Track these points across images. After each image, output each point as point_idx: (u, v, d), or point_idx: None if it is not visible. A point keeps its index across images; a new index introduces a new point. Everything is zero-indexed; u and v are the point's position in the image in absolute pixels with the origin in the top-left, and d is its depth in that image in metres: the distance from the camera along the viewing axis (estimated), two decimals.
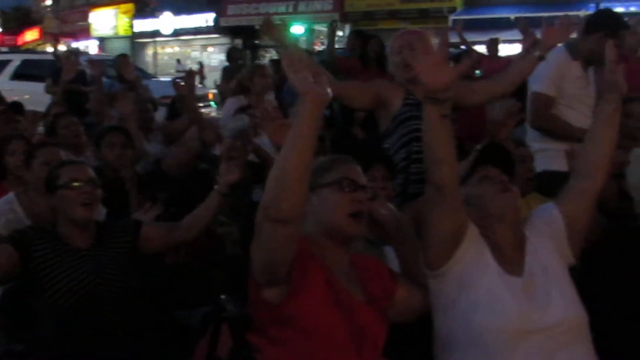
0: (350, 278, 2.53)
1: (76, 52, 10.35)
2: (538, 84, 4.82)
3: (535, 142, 4.83)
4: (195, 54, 36.87)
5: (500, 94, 4.18)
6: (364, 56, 8.04)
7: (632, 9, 25.02)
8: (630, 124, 4.71)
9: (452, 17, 26.26)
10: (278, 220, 2.20)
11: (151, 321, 3.29)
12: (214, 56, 33.69)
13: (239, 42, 32.74)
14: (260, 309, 2.40)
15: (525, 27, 6.82)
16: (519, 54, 5.68)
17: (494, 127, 3.86)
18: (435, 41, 4.01)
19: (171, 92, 6.57)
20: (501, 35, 15.43)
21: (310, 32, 31.37)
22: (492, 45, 9.68)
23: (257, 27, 25.37)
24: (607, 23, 4.88)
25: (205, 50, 35.56)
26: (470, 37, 11.93)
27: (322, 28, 32.43)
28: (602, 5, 23.31)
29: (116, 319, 3.25)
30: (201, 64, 30.65)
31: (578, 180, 2.78)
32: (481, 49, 10.03)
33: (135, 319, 3.29)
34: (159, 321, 3.29)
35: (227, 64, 11.55)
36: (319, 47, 29.70)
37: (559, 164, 4.30)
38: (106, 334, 3.21)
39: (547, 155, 4.60)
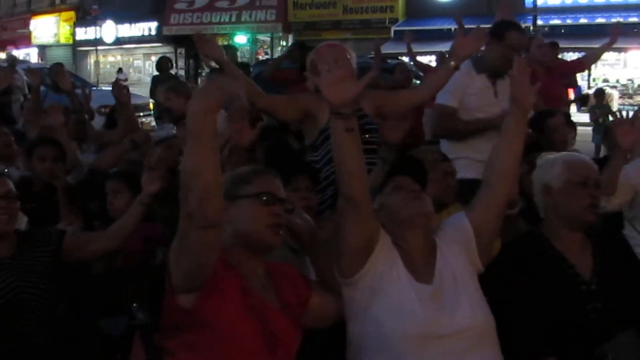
0: (265, 285, 2.58)
1: (12, 62, 10.24)
2: (440, 96, 4.94)
3: (448, 152, 4.98)
4: (138, 62, 36.66)
5: (419, 102, 4.36)
6: (301, 67, 8.09)
7: (569, 21, 25.67)
8: (556, 139, 4.89)
9: (394, 28, 26.59)
10: (205, 225, 2.25)
11: (74, 330, 3.31)
12: None
13: (182, 51, 32.67)
14: (175, 315, 2.43)
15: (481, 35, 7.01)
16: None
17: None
18: (351, 55, 4.13)
19: (111, 101, 6.55)
20: (442, 46, 15.73)
21: (253, 41, 31.44)
22: (442, 57, 9.86)
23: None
24: (494, 29, 5.07)
25: (149, 59, 35.33)
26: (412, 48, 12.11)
27: (265, 38, 32.55)
28: (539, 18, 23.93)
29: (37, 328, 3.26)
30: None
31: (485, 191, 2.86)
32: (423, 59, 10.21)
33: (57, 328, 3.30)
34: (82, 330, 3.31)
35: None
36: (262, 57, 29.83)
37: (472, 172, 4.46)
38: (27, 343, 3.21)
39: (460, 164, 4.72)
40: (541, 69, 6.57)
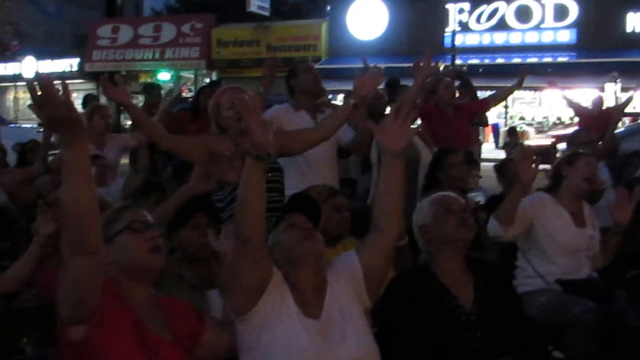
0: (155, 318, 2.64)
1: None
2: None
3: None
4: None
5: (320, 140, 4.48)
6: (195, 106, 7.98)
7: (486, 61, 26.39)
8: (454, 174, 5.06)
9: (316, 66, 26.90)
10: (85, 253, 2.30)
11: None
12: (79, 102, 33.09)
13: None
14: (67, 349, 2.46)
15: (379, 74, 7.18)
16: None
17: None
18: (249, 95, 4.23)
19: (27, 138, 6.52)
20: None
21: (176, 78, 31.38)
22: (347, 96, 10.04)
23: (124, 72, 25.13)
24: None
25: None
26: (334, 85, 12.39)
27: (189, 75, 32.54)
28: (458, 57, 24.52)
29: None
30: None
31: (374, 233, 2.99)
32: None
33: None
34: None
35: None
36: (185, 94, 29.76)
37: None
38: None
39: None
40: (450, 109, 6.76)
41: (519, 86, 7.58)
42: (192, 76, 32.46)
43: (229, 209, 4.15)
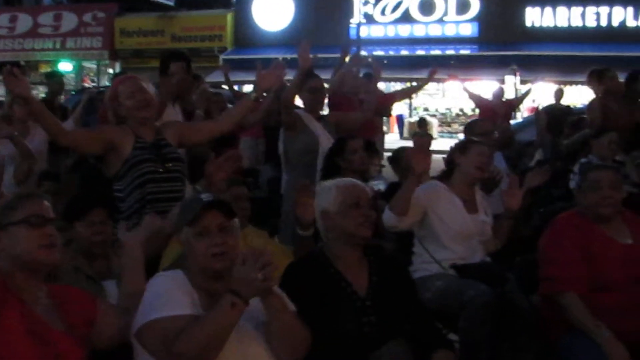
0: (48, 308, 2.63)
1: None
2: None
3: None
4: None
5: (220, 133, 4.51)
6: None
7: (391, 52, 26.74)
8: (354, 160, 5.13)
9: (222, 57, 26.76)
10: None
11: None
12: None
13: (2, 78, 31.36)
14: None
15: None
16: None
17: None
18: (147, 84, 4.22)
19: None
20: None
21: (78, 69, 30.67)
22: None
23: (23, 62, 24.45)
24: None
25: None
26: (240, 76, 12.33)
27: (91, 65, 31.85)
28: (363, 49, 24.77)
29: None
30: None
31: None
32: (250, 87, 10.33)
33: None
34: None
35: None
36: (88, 84, 29.18)
37: None
38: None
39: None
40: (356, 99, 6.88)
41: (426, 83, 7.76)
42: (95, 66, 31.79)
43: (129, 199, 4.14)
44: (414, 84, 22.81)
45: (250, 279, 2.53)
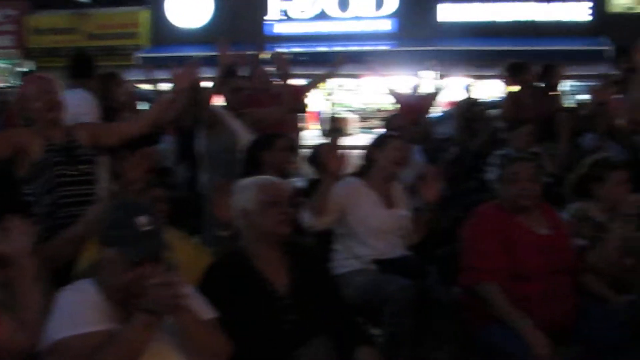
0: None
1: None
2: None
3: None
4: None
5: (134, 134, 4.41)
6: None
7: (309, 49, 26.76)
8: (277, 160, 5.09)
9: (138, 55, 26.34)
10: None
11: None
12: None
13: None
14: None
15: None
16: None
17: None
18: (60, 85, 4.12)
19: None
20: None
21: None
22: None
23: None
24: None
25: None
26: (156, 74, 12.05)
27: (4, 65, 30.96)
28: (281, 46, 24.74)
29: None
30: None
31: None
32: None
33: None
34: None
35: None
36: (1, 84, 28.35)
37: None
38: None
39: None
40: (266, 96, 6.83)
41: (333, 73, 7.74)
42: (7, 66, 30.92)
43: (41, 201, 4.03)
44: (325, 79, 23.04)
45: (160, 296, 2.49)
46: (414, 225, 4.66)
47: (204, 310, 2.84)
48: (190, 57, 5.79)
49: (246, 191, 3.37)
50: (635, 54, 4.68)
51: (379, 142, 4.66)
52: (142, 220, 2.71)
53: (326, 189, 4.27)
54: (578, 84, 20.96)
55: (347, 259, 4.46)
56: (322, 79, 8.00)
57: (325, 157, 4.25)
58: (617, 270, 4.14)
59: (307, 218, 4.34)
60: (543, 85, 7.92)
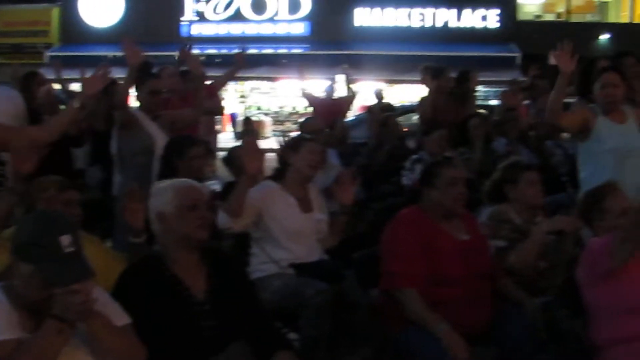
0: None
1: None
2: None
3: None
4: None
5: (43, 139, 4.24)
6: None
7: (224, 51, 26.60)
8: (194, 165, 5.03)
9: (48, 54, 25.71)
10: None
11: None
12: None
13: None
14: None
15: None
16: None
17: None
18: None
19: None
20: None
21: None
22: None
23: None
24: None
25: None
26: (67, 74, 11.76)
27: None
28: (196, 47, 24.52)
29: None
30: None
31: None
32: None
33: None
34: None
35: None
36: None
37: None
38: None
39: None
40: (176, 97, 6.76)
41: (234, 73, 7.73)
42: None
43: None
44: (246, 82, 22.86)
45: (69, 302, 2.43)
46: (331, 229, 4.67)
47: (118, 316, 2.77)
48: (102, 57, 5.65)
49: (163, 194, 3.28)
50: (556, 58, 4.80)
51: (294, 145, 4.64)
52: (65, 240, 2.59)
53: (243, 190, 4.23)
54: (489, 89, 21.53)
55: (264, 263, 4.43)
56: (229, 75, 7.96)
57: (243, 157, 4.22)
58: (532, 272, 4.24)
59: (223, 219, 4.29)
60: (458, 90, 8.05)
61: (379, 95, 11.33)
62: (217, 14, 27.36)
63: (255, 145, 4.30)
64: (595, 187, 4.03)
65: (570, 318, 3.81)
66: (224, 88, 8.42)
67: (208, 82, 7.14)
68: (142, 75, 5.65)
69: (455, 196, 4.04)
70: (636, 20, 28.04)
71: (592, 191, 4.01)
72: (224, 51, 26.44)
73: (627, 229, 3.41)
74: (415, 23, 26.76)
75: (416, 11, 26.71)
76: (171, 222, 3.21)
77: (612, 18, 28.87)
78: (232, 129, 27.35)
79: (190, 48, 6.79)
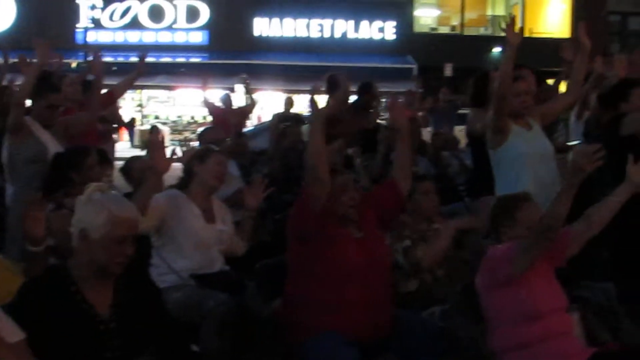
0: None
1: None
2: None
3: None
4: None
5: None
6: None
7: (120, 59, 26.16)
8: (90, 176, 4.89)
9: None
10: None
11: None
12: None
13: None
14: None
15: None
16: None
17: None
18: None
19: None
20: None
21: None
22: None
23: None
24: None
25: None
26: None
27: None
28: (92, 55, 24.03)
29: None
30: None
31: None
32: None
33: None
34: None
35: None
36: None
37: None
38: None
39: None
40: (75, 105, 6.60)
41: (137, 77, 7.60)
42: None
43: None
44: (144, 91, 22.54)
45: None
46: (239, 233, 4.65)
47: (10, 331, 2.65)
48: None
49: (96, 214, 3.01)
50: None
51: (201, 155, 4.60)
52: None
53: (149, 188, 4.12)
54: (386, 100, 21.89)
55: (164, 274, 4.34)
56: (129, 81, 7.82)
57: (151, 154, 4.13)
58: (431, 280, 4.32)
59: None
60: (359, 101, 8.14)
61: (289, 105, 11.36)
62: (114, 21, 26.93)
63: (163, 143, 4.22)
64: (510, 195, 4.06)
65: (468, 326, 3.89)
66: (122, 96, 8.25)
67: (105, 90, 6.97)
68: (40, 86, 5.46)
69: (346, 202, 4.08)
70: (527, 34, 29.05)
71: (507, 198, 4.04)
72: (120, 59, 26.06)
73: (530, 238, 3.51)
74: (314, 34, 27.01)
75: (315, 22, 26.98)
76: (92, 246, 2.98)
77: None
78: (129, 138, 26.94)
79: (100, 57, 6.62)
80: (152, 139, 4.33)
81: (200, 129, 10.00)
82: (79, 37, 25.59)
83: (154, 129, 18.80)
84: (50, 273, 3.10)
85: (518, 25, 5.03)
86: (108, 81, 8.30)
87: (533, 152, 4.98)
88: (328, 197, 4.02)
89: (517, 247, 3.55)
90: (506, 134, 4.98)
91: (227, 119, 10.18)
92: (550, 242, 3.48)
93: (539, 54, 15.41)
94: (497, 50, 25.82)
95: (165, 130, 26.78)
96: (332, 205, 4.04)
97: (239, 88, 24.02)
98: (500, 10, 30.28)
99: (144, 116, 28.24)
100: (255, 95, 10.59)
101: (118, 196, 3.23)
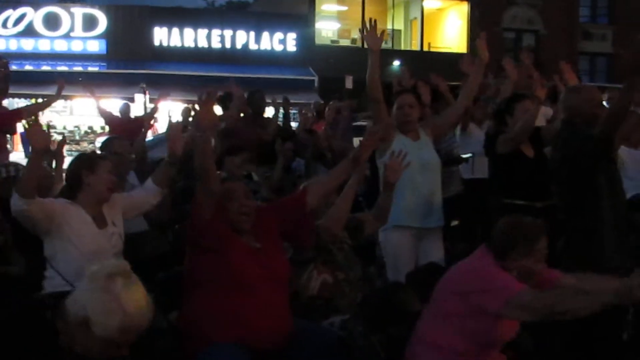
0: None
1: None
2: None
3: None
4: None
5: None
6: None
7: (14, 67, 25.42)
8: None
9: None
10: None
11: None
12: None
13: None
14: None
15: None
16: None
17: None
18: None
19: None
20: None
21: None
22: None
23: None
24: None
25: None
26: None
27: None
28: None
29: None
30: None
31: None
32: None
33: None
34: None
35: None
36: None
37: None
38: None
39: None
40: None
41: (57, 97, 7.52)
42: None
43: None
44: (40, 100, 21.95)
45: None
46: (158, 180, 4.85)
47: None
48: None
49: (105, 313, 2.88)
50: (365, 38, 5.15)
51: (90, 164, 4.47)
52: None
53: (34, 166, 4.15)
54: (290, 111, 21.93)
55: (61, 286, 4.22)
56: (46, 104, 7.70)
57: (28, 134, 4.06)
58: (335, 288, 4.38)
59: (16, 201, 4.09)
60: (251, 111, 8.19)
61: (187, 115, 11.28)
62: (7, 28, 26.13)
63: (39, 125, 4.18)
64: (533, 223, 3.81)
65: (368, 335, 3.94)
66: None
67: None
68: None
69: (235, 209, 4.08)
70: (425, 49, 29.74)
71: (531, 225, 3.78)
72: (14, 67, 25.34)
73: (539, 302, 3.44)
74: (215, 44, 26.89)
75: (215, 32, 26.86)
76: (88, 341, 2.90)
77: (404, 46, 30.49)
78: (23, 149, 26.20)
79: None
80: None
81: (100, 139, 9.84)
82: None
83: (62, 140, 18.45)
84: None
85: (379, 30, 5.21)
86: None
87: (414, 161, 5.10)
88: (217, 205, 4.04)
89: (521, 297, 3.46)
90: (389, 142, 5.13)
91: (126, 129, 10.05)
92: None
93: (437, 68, 15.76)
94: (397, 63, 26.26)
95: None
96: (222, 213, 4.05)
97: (139, 98, 23.84)
98: (399, 25, 30.87)
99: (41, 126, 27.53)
100: (154, 105, 10.48)
101: (134, 290, 3.01)
